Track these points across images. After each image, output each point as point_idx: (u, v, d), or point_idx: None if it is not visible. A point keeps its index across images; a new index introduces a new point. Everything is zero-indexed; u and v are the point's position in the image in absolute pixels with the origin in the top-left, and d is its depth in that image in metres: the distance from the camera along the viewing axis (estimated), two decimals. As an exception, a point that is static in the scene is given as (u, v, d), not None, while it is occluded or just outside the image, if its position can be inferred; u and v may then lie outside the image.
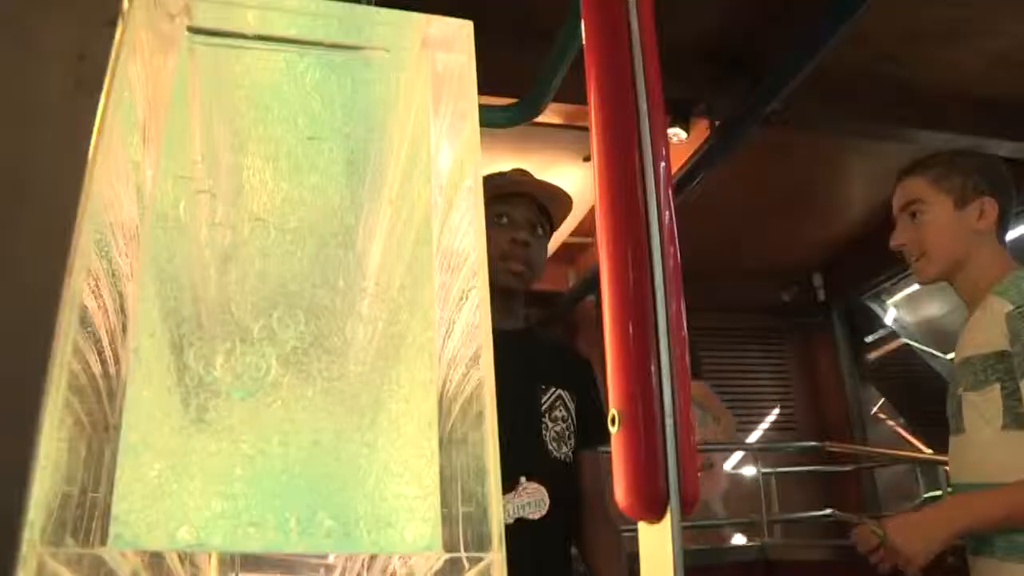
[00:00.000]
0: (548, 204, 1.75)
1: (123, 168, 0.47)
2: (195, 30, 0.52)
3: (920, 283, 1.69)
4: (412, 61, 0.56)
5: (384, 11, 0.55)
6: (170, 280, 0.46)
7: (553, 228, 1.80)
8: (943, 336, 5.82)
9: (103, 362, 0.43)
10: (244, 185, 0.50)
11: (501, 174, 1.81)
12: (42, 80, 0.58)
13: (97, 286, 0.45)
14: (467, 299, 0.50)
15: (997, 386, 1.44)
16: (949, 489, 1.57)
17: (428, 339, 0.49)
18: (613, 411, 0.55)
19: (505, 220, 1.70)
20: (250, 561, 0.43)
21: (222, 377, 0.46)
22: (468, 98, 0.55)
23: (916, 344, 6.02)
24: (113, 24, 0.50)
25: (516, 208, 1.71)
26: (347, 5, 0.54)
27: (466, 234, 0.53)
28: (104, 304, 0.44)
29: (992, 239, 1.58)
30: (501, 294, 1.69)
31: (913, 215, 1.62)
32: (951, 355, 1.68)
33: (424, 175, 0.52)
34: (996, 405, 1.43)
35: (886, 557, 1.46)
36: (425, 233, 0.51)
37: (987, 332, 1.47)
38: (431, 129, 0.54)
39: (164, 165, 0.48)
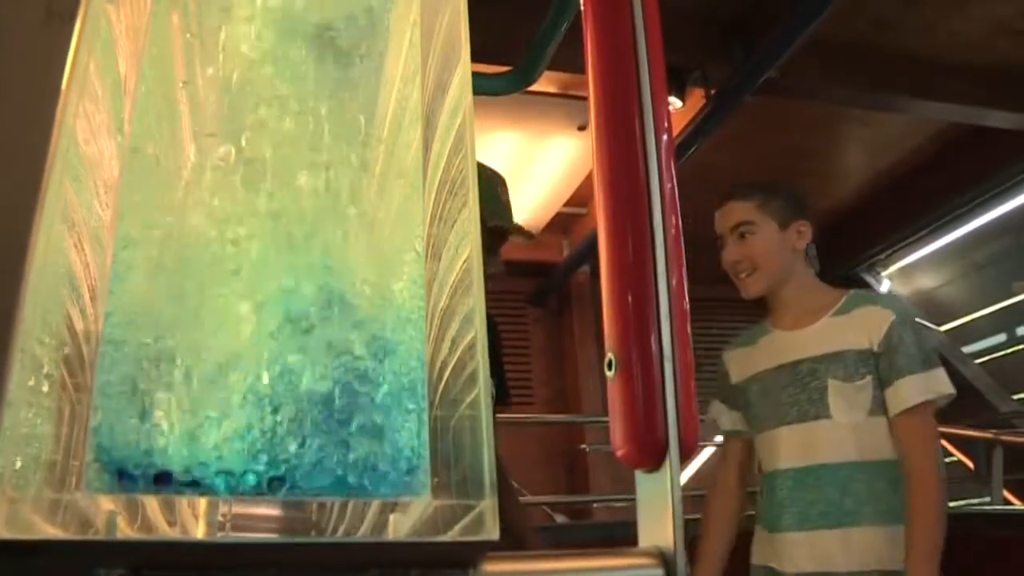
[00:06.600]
0: None
1: (98, 100, 0.45)
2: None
3: (747, 297, 1.87)
4: None
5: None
6: (148, 207, 0.44)
7: None
8: (936, 308, 5.82)
9: (77, 289, 0.41)
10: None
11: None
12: (12, 9, 0.56)
13: (73, 222, 0.43)
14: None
15: (870, 378, 1.65)
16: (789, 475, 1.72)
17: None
18: (610, 355, 0.54)
19: None
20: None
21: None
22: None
23: (909, 316, 6.01)
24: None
25: None
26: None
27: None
28: (79, 237, 0.42)
29: (803, 256, 1.83)
30: None
31: (742, 235, 1.82)
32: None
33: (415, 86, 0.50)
34: (867, 395, 1.65)
35: None
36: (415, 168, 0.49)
37: (861, 332, 1.69)
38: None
39: (143, 93, 0.46)
